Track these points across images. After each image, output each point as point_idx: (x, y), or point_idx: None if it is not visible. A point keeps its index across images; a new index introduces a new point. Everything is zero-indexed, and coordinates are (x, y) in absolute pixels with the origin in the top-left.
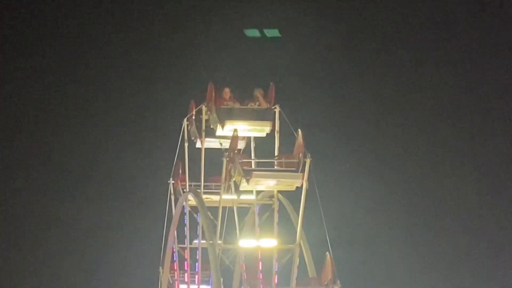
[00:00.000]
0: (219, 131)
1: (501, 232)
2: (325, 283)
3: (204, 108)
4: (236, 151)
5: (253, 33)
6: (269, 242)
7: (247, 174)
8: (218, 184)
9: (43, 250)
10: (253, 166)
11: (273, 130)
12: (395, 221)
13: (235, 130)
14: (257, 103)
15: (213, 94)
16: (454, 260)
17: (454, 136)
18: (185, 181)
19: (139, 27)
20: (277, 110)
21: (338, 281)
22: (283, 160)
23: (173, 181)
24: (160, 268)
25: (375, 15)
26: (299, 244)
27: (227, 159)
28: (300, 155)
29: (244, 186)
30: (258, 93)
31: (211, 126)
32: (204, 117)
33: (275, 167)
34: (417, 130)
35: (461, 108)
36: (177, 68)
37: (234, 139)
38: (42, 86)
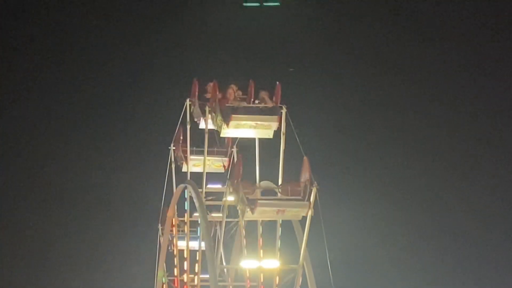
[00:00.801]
0: (224, 132)
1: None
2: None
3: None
4: (240, 179)
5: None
6: (271, 263)
7: (252, 203)
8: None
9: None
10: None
11: (278, 132)
12: (400, 243)
13: (239, 157)
14: (263, 103)
15: (217, 93)
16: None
17: (462, 154)
18: (186, 147)
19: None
20: (283, 110)
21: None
22: (288, 188)
23: (174, 147)
24: (159, 225)
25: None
26: (302, 265)
27: (230, 190)
28: (307, 183)
29: (248, 216)
30: (263, 94)
31: (216, 128)
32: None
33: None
34: (423, 148)
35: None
36: (180, 47)
37: (238, 165)
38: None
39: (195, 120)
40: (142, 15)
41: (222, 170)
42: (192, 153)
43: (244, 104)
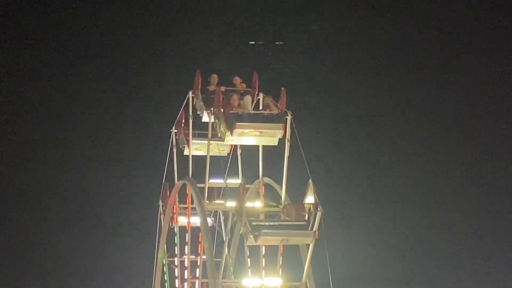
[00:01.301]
0: (228, 139)
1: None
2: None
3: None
4: (244, 206)
5: None
6: (273, 281)
7: (255, 230)
8: None
9: None
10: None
11: (283, 138)
12: (402, 257)
13: (242, 183)
14: (267, 110)
15: (221, 99)
16: None
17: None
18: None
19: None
20: (288, 117)
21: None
22: (293, 213)
23: (175, 130)
24: (160, 201)
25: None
26: (305, 283)
27: (234, 219)
28: (311, 207)
29: (251, 241)
30: (268, 100)
31: (219, 135)
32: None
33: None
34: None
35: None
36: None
37: (242, 192)
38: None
39: (198, 113)
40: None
41: (225, 154)
42: (194, 136)
43: (248, 110)
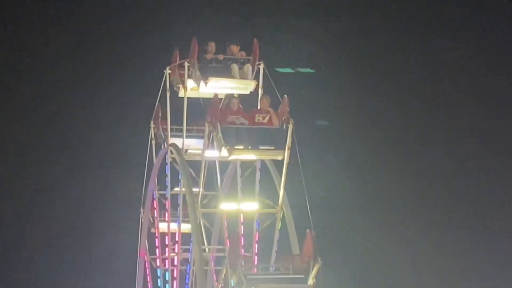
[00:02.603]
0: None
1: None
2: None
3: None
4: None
5: None
6: (250, 206)
7: (251, 284)
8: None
9: None
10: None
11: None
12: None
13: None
14: (267, 117)
15: (218, 106)
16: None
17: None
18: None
19: None
20: (290, 126)
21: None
22: (290, 266)
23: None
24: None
25: None
26: (281, 207)
27: (227, 266)
28: (309, 259)
29: None
30: (265, 103)
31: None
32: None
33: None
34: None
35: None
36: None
37: (235, 244)
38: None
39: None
40: None
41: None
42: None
43: (246, 121)
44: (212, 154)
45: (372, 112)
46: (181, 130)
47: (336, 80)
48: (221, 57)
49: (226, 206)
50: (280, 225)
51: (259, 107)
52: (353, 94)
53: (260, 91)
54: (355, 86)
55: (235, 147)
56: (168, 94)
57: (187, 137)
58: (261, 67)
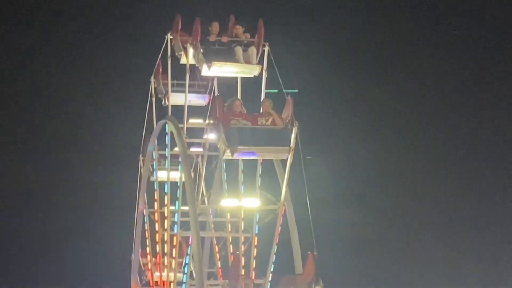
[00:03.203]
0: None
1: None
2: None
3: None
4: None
5: None
6: (251, 202)
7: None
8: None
9: None
10: None
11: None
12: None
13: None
14: (270, 119)
15: (221, 107)
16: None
17: None
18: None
19: None
20: (294, 130)
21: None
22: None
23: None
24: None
25: None
26: (283, 204)
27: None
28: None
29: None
30: (268, 107)
31: (218, 146)
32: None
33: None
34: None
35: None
36: None
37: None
38: None
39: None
40: None
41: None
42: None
43: (249, 123)
44: (212, 136)
45: (377, 105)
46: (182, 86)
47: (340, 75)
48: (224, 39)
49: (227, 202)
50: (281, 220)
51: (261, 111)
52: (356, 90)
53: (264, 74)
54: (358, 82)
55: (239, 146)
56: (169, 61)
57: (189, 92)
58: (266, 49)
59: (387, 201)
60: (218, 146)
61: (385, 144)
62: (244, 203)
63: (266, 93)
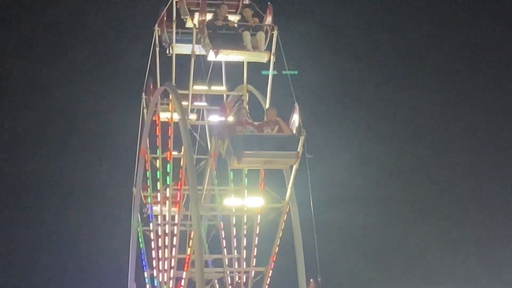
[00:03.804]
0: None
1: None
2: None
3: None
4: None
5: None
6: (255, 201)
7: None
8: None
9: None
10: None
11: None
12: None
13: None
14: (276, 128)
15: (228, 111)
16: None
17: None
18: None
19: None
20: (275, 32)
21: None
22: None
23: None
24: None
25: None
26: (288, 203)
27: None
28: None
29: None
30: (273, 115)
31: (223, 156)
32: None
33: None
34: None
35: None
36: None
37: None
38: None
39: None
40: None
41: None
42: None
43: (255, 130)
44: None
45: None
46: (188, 34)
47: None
48: (232, 24)
49: (230, 202)
50: (285, 217)
51: (265, 119)
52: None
53: (272, 58)
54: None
55: (245, 151)
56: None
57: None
58: (275, 33)
59: (391, 202)
60: (223, 156)
61: (390, 144)
62: (247, 202)
63: (269, 94)
